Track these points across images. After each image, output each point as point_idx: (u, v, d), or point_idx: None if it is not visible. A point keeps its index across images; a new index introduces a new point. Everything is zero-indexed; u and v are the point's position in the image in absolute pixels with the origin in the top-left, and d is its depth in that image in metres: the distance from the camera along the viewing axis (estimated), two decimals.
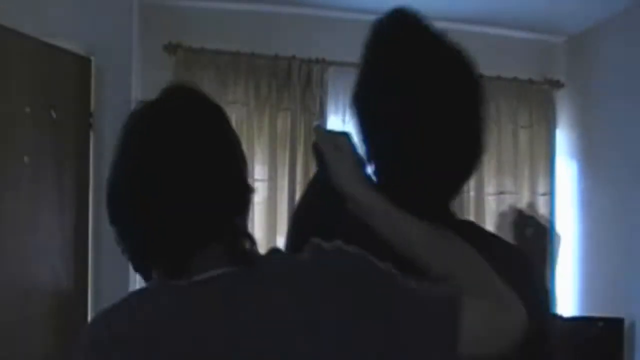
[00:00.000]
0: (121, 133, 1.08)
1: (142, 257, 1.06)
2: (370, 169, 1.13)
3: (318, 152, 1.15)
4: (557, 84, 4.38)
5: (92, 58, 3.42)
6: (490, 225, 4.23)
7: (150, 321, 1.02)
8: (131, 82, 3.52)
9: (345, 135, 1.16)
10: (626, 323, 3.76)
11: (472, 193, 4.22)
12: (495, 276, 1.03)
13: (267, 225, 3.93)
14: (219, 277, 1.02)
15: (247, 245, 1.05)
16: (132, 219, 1.03)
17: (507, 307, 1.01)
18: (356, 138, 1.14)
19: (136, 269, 1.08)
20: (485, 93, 1.13)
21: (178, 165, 1.01)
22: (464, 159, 1.09)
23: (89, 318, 3.35)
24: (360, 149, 1.13)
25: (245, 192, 1.06)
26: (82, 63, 3.39)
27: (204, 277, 1.02)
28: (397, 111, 1.06)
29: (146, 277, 1.09)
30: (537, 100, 4.37)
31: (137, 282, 3.44)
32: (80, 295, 3.33)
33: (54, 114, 3.16)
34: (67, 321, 3.26)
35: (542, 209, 4.31)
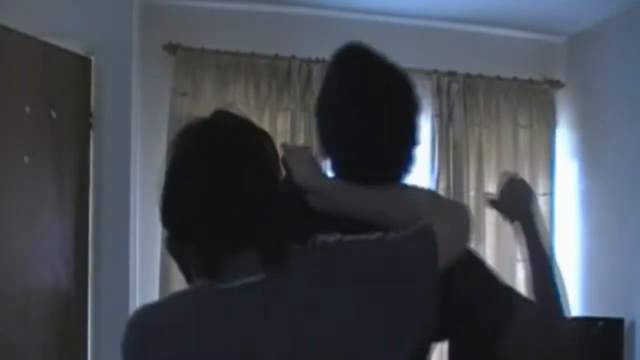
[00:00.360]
0: (175, 147, 1.21)
1: (186, 260, 1.20)
2: (328, 165, 1.45)
3: (285, 164, 1.38)
4: (557, 84, 4.38)
5: (92, 58, 3.42)
6: (490, 225, 4.24)
7: (190, 320, 1.13)
8: (131, 82, 3.52)
9: (305, 147, 1.52)
10: (626, 323, 3.76)
11: (472, 193, 4.23)
12: (441, 196, 1.40)
13: None
14: (252, 284, 1.14)
15: (279, 246, 1.18)
16: (181, 226, 1.18)
17: (459, 213, 1.36)
18: (320, 142, 1.48)
19: (182, 270, 1.21)
20: (420, 103, 1.48)
21: (217, 184, 1.16)
22: (407, 153, 1.46)
23: (89, 318, 3.36)
24: (324, 149, 1.47)
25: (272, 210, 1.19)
26: (82, 63, 3.39)
27: (241, 283, 1.14)
28: (362, 122, 1.41)
29: (188, 279, 1.21)
30: (537, 100, 4.37)
31: (137, 282, 3.46)
32: (80, 295, 3.33)
33: (54, 114, 3.16)
34: (67, 321, 3.26)
35: (542, 209, 4.31)
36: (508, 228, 4.39)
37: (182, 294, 1.19)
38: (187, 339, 1.11)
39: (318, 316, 1.13)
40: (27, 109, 3.01)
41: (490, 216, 4.25)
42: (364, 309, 1.16)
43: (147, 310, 1.18)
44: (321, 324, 1.13)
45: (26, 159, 2.99)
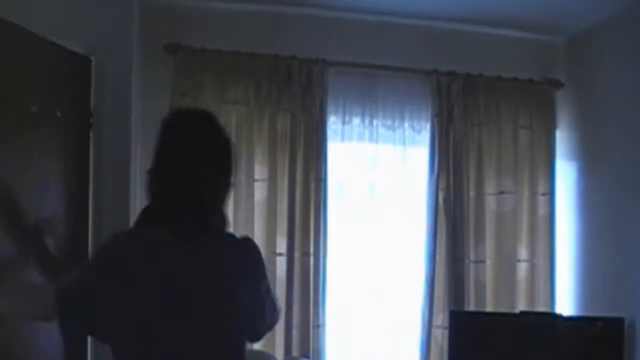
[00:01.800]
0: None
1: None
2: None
3: None
4: (557, 84, 4.39)
5: (92, 58, 3.42)
6: (490, 224, 4.23)
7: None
8: (131, 82, 3.52)
9: None
10: (626, 323, 3.76)
11: (472, 193, 4.22)
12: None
13: (267, 225, 3.93)
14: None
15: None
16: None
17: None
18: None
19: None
20: (234, 154, 2.09)
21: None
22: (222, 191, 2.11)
23: None
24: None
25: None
26: (82, 63, 3.39)
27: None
28: (185, 172, 2.06)
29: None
30: (537, 100, 4.37)
31: None
32: None
33: (58, 114, 3.16)
34: None
35: (542, 209, 4.32)
36: (508, 228, 4.39)
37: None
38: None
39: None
40: (33, 108, 3.00)
41: (491, 216, 4.26)
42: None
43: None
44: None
45: (27, 158, 2.99)
